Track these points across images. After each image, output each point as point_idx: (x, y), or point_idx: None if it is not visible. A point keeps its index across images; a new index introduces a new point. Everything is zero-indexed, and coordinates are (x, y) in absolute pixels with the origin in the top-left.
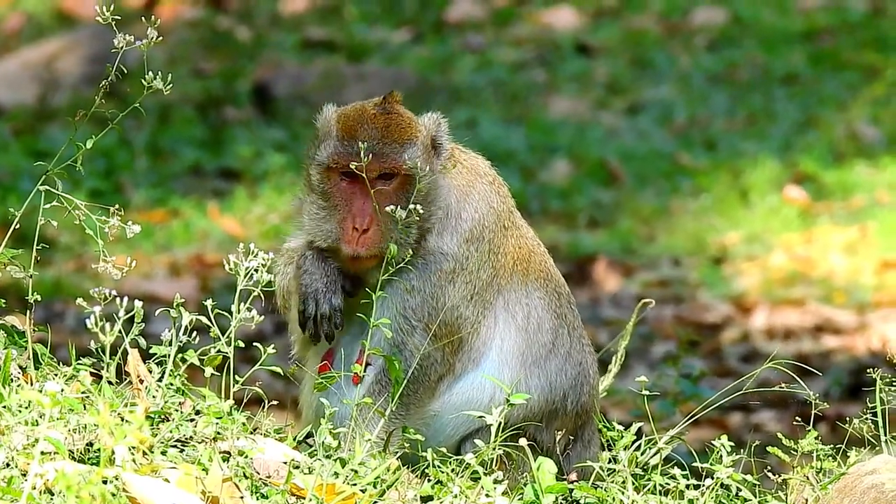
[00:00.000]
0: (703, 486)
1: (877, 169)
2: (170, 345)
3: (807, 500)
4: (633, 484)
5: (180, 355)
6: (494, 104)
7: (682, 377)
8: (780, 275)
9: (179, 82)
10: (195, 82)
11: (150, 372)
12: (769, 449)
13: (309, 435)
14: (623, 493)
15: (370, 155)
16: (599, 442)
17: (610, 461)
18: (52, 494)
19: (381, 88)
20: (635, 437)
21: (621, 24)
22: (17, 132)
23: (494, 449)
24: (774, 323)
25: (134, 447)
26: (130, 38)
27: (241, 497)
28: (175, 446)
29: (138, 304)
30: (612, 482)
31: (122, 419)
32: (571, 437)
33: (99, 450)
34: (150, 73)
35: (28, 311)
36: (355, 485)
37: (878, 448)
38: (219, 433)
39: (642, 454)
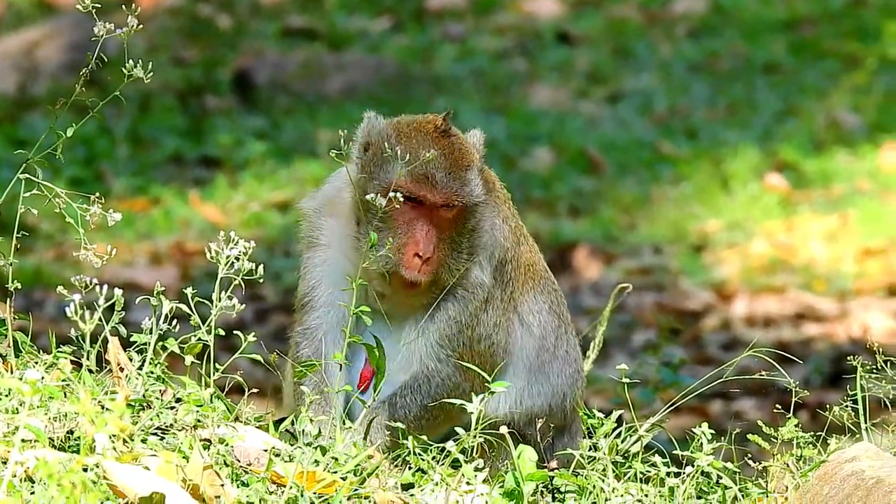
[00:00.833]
0: (684, 473)
1: (857, 157)
2: (150, 333)
3: (787, 487)
4: (614, 471)
5: (161, 343)
6: (475, 93)
7: (662, 365)
8: (760, 262)
9: (160, 70)
10: (176, 70)
11: (131, 360)
12: (749, 436)
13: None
14: (603, 480)
15: (441, 185)
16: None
17: (590, 449)
18: (33, 482)
19: (361, 77)
20: (616, 425)
21: (602, 13)
22: None
23: (475, 437)
24: (755, 310)
25: (114, 435)
26: (111, 27)
27: (222, 485)
28: (155, 434)
29: (118, 292)
30: (593, 470)
31: (103, 407)
32: (560, 431)
33: (79, 438)
34: (131, 61)
35: (8, 300)
36: (336, 472)
37: (858, 436)
38: (199, 421)
39: (623, 442)
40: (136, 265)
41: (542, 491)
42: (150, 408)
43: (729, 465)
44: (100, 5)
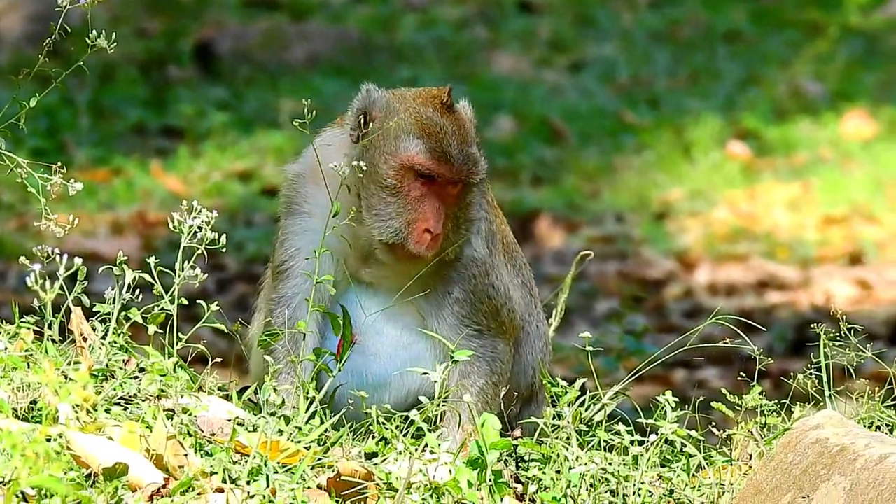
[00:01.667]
0: (648, 441)
1: (819, 125)
2: (113, 303)
3: (751, 455)
4: (578, 440)
5: (124, 313)
6: (437, 62)
7: (625, 333)
8: (723, 230)
9: (122, 41)
10: (138, 42)
11: (94, 330)
12: (713, 405)
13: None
14: (567, 448)
15: (458, 162)
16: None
17: (554, 417)
18: None
19: (323, 47)
20: (579, 393)
21: None
22: None
23: (438, 405)
24: (718, 279)
25: (78, 405)
26: None
27: (185, 455)
28: (119, 404)
29: (79, 261)
30: (557, 438)
31: (66, 377)
32: (526, 400)
33: (42, 408)
34: (94, 31)
35: None
36: (299, 442)
37: (822, 403)
38: (162, 391)
39: (586, 410)
40: (98, 235)
41: (505, 459)
42: (114, 378)
43: (693, 433)
44: None
